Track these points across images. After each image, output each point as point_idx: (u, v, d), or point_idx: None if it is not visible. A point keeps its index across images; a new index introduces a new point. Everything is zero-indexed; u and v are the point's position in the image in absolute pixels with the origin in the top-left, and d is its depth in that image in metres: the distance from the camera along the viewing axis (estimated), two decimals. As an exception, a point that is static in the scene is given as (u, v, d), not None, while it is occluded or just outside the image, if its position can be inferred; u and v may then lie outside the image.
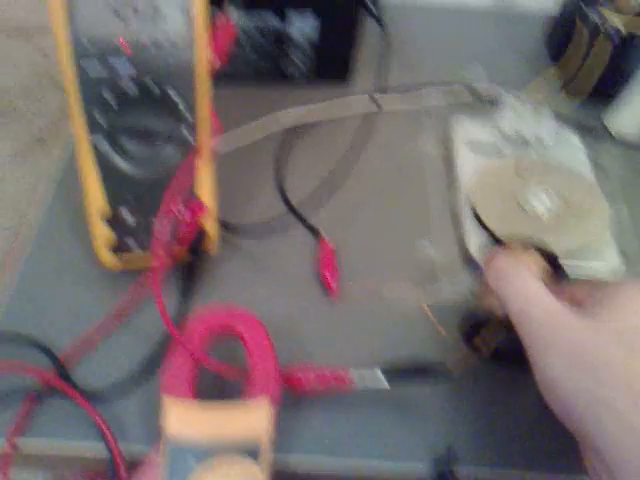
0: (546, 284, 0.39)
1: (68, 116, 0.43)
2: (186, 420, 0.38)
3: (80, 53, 0.41)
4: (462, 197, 0.54)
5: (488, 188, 0.53)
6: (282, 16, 0.60)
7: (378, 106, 0.60)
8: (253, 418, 0.38)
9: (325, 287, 0.50)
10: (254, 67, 0.64)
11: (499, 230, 0.50)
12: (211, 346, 0.42)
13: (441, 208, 0.55)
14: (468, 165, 0.56)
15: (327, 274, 0.49)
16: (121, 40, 0.41)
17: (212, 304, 0.44)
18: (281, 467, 0.41)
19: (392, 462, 0.42)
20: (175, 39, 0.42)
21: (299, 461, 0.42)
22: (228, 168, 0.50)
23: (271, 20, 0.60)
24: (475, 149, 0.57)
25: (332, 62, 0.65)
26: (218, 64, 0.44)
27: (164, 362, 0.41)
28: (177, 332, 0.41)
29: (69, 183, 0.55)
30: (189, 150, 0.45)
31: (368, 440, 0.43)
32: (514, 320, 0.38)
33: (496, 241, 0.50)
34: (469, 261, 0.51)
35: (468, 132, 0.59)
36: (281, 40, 0.62)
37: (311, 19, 0.60)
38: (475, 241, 0.51)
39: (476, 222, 0.52)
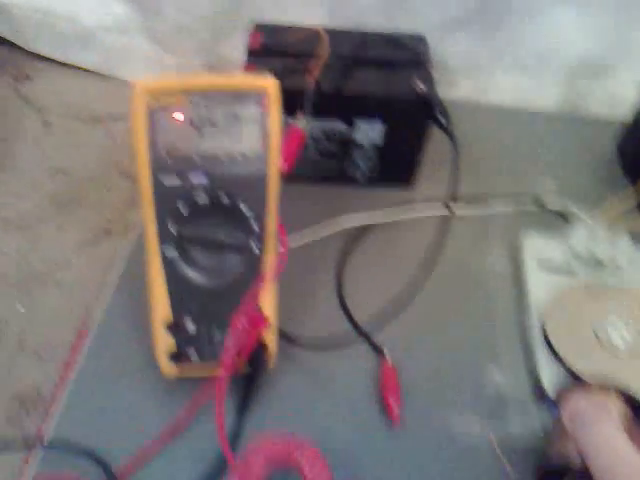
0: (628, 433, 0.36)
1: (143, 224, 0.43)
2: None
3: (158, 166, 0.42)
4: (533, 321, 0.52)
5: (561, 314, 0.51)
6: (349, 122, 0.60)
7: (449, 214, 0.58)
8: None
9: (386, 410, 0.47)
10: (318, 169, 0.64)
11: (575, 363, 0.47)
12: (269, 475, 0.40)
13: (510, 330, 0.53)
14: (538, 285, 0.54)
15: (390, 400, 0.47)
16: (198, 154, 0.42)
17: (271, 432, 0.42)
18: None
19: None
20: (249, 153, 0.42)
21: None
22: (288, 271, 0.49)
23: (338, 125, 0.61)
24: (546, 267, 0.56)
25: (397, 167, 0.65)
26: (285, 169, 0.44)
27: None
28: (236, 464, 0.39)
29: (131, 278, 0.55)
30: (255, 261, 0.45)
31: None
32: (597, 476, 0.35)
33: (572, 375, 0.47)
34: (541, 394, 0.48)
35: (538, 249, 0.57)
36: (346, 144, 0.62)
37: (378, 125, 0.60)
38: (548, 373, 0.48)
39: (549, 350, 0.49)
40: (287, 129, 0.45)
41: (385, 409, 0.48)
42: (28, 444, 0.45)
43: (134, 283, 0.53)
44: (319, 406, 0.48)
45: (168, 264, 0.44)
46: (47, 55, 0.86)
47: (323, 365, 0.51)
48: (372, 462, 0.45)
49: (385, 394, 0.48)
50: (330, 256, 0.58)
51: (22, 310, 0.57)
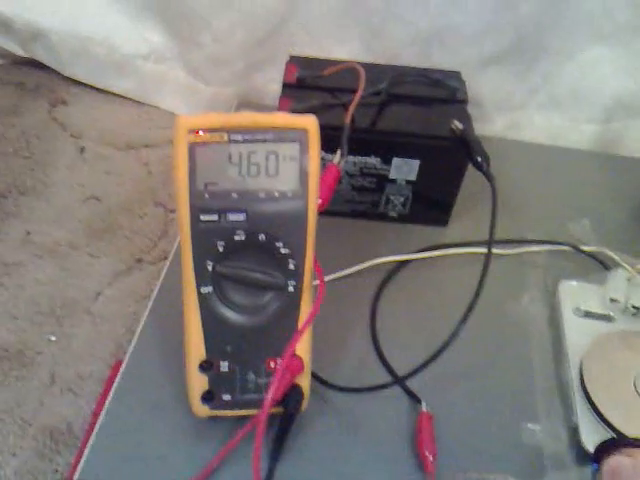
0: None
1: (181, 260, 0.43)
2: None
3: (197, 202, 0.42)
4: (570, 370, 0.51)
5: (598, 364, 0.50)
6: (385, 159, 0.60)
7: (485, 254, 0.57)
8: None
9: (420, 461, 0.46)
10: (352, 204, 0.64)
11: (614, 417, 0.46)
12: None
13: (548, 379, 0.52)
14: (575, 332, 0.53)
15: (425, 451, 0.46)
16: (236, 191, 0.42)
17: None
18: None
19: None
20: (287, 191, 0.42)
21: None
22: (321, 308, 0.49)
23: (373, 162, 0.60)
24: (582, 313, 0.55)
25: (432, 206, 0.64)
26: (320, 206, 0.44)
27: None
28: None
29: (163, 311, 0.55)
30: (291, 299, 0.44)
31: None
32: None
33: (611, 428, 0.46)
34: (580, 448, 0.47)
35: (574, 294, 0.56)
36: (381, 180, 0.62)
37: (414, 163, 0.60)
38: (587, 426, 0.47)
39: (587, 402, 0.48)
40: (324, 166, 0.44)
41: (419, 458, 0.47)
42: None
43: (166, 316, 0.53)
44: (351, 451, 0.47)
45: (204, 301, 0.44)
46: (83, 80, 0.87)
47: (356, 409, 0.50)
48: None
49: (420, 444, 0.47)
50: (363, 293, 0.58)
51: (53, 339, 0.57)
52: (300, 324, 0.45)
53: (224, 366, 0.45)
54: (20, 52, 0.87)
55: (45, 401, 0.53)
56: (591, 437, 0.46)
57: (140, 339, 0.53)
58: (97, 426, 0.47)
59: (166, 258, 0.63)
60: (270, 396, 0.41)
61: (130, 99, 0.85)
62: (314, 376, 0.49)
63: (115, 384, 0.50)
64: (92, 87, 0.86)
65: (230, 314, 0.45)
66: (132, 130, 0.80)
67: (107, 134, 0.79)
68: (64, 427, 0.52)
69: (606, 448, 0.42)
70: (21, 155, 0.75)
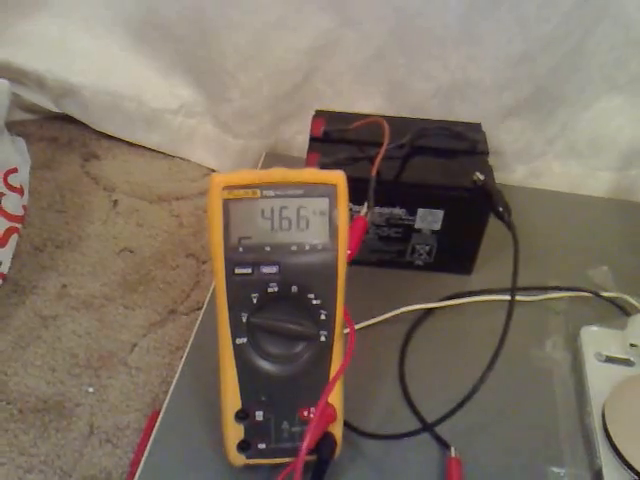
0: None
1: (216, 312, 0.44)
2: None
3: (231, 255, 0.43)
4: (593, 417, 0.51)
5: (621, 409, 0.51)
6: (410, 210, 0.62)
7: (510, 302, 0.59)
8: None
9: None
10: (378, 253, 0.66)
11: (638, 462, 0.47)
12: None
13: (572, 427, 0.53)
14: (597, 377, 0.54)
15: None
16: (269, 244, 0.44)
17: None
18: None
19: None
20: (318, 244, 0.44)
21: None
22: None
23: (398, 212, 0.62)
24: (605, 361, 0.56)
25: (456, 255, 0.66)
26: (349, 256, 0.45)
27: None
28: None
29: (197, 362, 0.56)
30: (323, 349, 0.46)
31: None
32: None
33: (636, 475, 0.47)
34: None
35: (596, 340, 0.57)
36: (407, 230, 0.64)
37: (438, 213, 0.62)
38: (612, 475, 0.48)
39: (610, 447, 0.49)
40: (351, 217, 0.46)
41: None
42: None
43: (201, 366, 0.55)
44: None
45: (239, 352, 0.46)
46: (114, 135, 0.91)
47: (387, 455, 0.51)
48: None
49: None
50: (392, 341, 0.59)
51: (91, 390, 0.59)
52: (332, 373, 0.46)
53: (259, 415, 0.47)
54: (53, 108, 0.90)
55: (84, 452, 0.54)
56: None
57: (176, 389, 0.54)
58: (136, 476, 0.48)
59: (199, 309, 0.64)
60: (306, 445, 0.42)
61: (161, 152, 0.88)
62: (346, 424, 0.50)
63: (153, 434, 0.51)
64: (123, 141, 0.89)
65: (264, 364, 0.46)
66: (163, 183, 0.83)
67: (139, 187, 0.82)
68: (103, 477, 0.53)
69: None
70: (55, 209, 0.78)
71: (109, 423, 0.57)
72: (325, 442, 0.46)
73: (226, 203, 0.43)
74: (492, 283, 0.63)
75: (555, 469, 0.50)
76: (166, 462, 0.50)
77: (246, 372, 0.46)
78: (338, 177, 0.44)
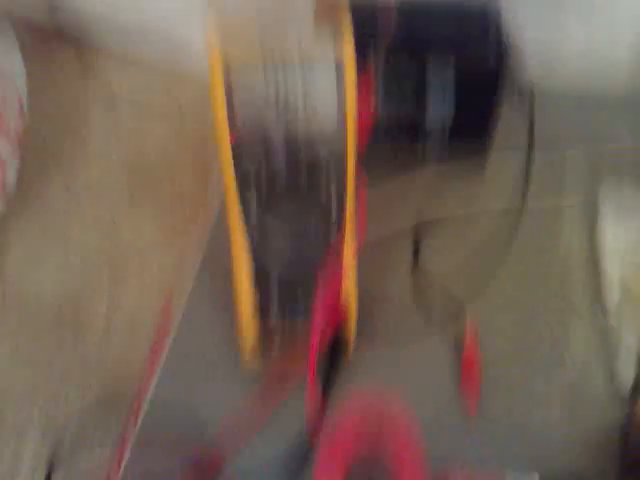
0: None
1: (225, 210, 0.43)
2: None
3: (237, 146, 0.41)
4: (611, 320, 0.51)
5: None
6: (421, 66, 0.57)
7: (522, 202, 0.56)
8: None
9: (466, 397, 0.47)
10: (389, 149, 0.62)
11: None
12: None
13: (587, 329, 0.51)
14: (616, 276, 0.52)
15: (469, 392, 0.47)
16: (277, 133, 0.41)
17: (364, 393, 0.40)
18: None
19: None
20: (327, 132, 0.42)
21: None
22: (359, 263, 0.48)
23: (410, 69, 0.57)
24: (624, 254, 0.54)
25: (472, 118, 0.60)
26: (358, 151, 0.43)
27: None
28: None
29: (211, 264, 0.55)
30: (334, 247, 0.44)
31: None
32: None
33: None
34: (623, 394, 0.47)
35: (616, 236, 0.55)
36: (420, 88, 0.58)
37: (450, 71, 0.57)
38: (628, 372, 0.47)
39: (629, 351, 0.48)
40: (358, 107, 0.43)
41: (465, 396, 0.48)
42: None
43: (214, 271, 0.54)
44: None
45: (251, 248, 0.44)
46: (111, 46, 0.87)
47: (399, 358, 0.50)
48: (453, 444, 0.45)
49: (464, 384, 0.48)
50: (400, 247, 0.57)
51: (104, 291, 0.57)
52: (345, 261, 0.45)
53: (273, 317, 0.46)
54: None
55: (103, 354, 0.54)
56: (630, 374, 0.47)
57: (192, 290, 0.54)
58: (150, 388, 0.48)
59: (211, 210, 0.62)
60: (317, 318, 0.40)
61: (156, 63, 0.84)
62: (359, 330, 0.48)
63: (169, 338, 0.51)
64: (120, 53, 0.85)
65: (276, 261, 0.45)
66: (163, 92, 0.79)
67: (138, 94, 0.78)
68: (123, 378, 0.53)
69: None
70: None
71: (124, 325, 0.56)
72: (335, 341, 0.45)
73: (228, 83, 0.39)
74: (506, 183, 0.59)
75: (569, 365, 0.49)
76: (182, 373, 0.49)
77: (259, 272, 0.45)
78: (346, 53, 0.40)
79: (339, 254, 0.44)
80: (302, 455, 0.43)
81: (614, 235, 0.54)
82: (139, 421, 0.46)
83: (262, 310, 0.45)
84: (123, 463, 0.43)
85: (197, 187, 0.67)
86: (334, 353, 0.46)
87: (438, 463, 0.42)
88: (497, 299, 0.52)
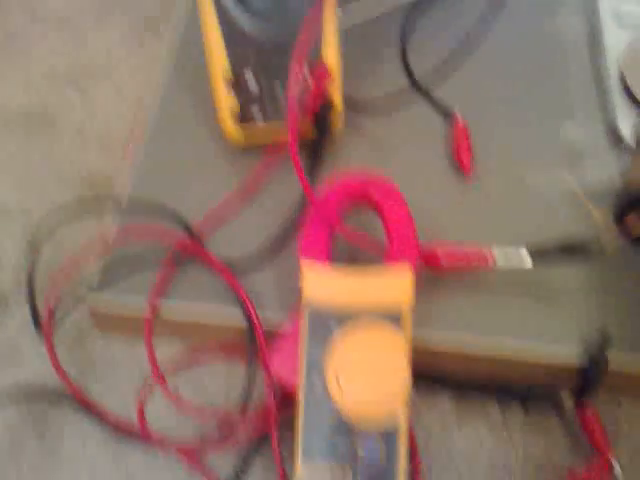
0: None
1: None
2: (325, 284, 0.36)
3: None
4: (611, 73, 0.49)
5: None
6: None
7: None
8: (395, 283, 0.36)
9: (459, 167, 0.46)
10: None
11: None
12: (345, 219, 0.40)
13: (585, 85, 0.50)
14: (616, 39, 0.50)
15: (462, 155, 0.46)
16: None
17: (347, 171, 0.41)
18: (420, 343, 0.39)
19: (538, 344, 0.39)
20: None
21: (439, 339, 0.39)
22: (350, 43, 0.47)
23: None
24: (623, 21, 0.52)
25: None
26: None
27: (300, 229, 0.39)
28: (313, 195, 0.38)
29: (184, 57, 0.53)
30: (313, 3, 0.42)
31: (512, 321, 0.40)
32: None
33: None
34: (619, 141, 0.46)
35: (615, 2, 0.53)
36: None
37: None
38: (626, 118, 0.46)
39: (627, 98, 0.47)
40: None
41: (457, 165, 0.46)
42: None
43: (188, 62, 0.51)
44: (388, 169, 0.45)
45: (223, 13, 0.42)
46: None
47: (390, 130, 0.49)
48: (446, 215, 0.44)
49: (456, 150, 0.46)
50: (390, 26, 0.54)
51: (77, 101, 0.56)
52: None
53: (252, 83, 0.44)
54: None
55: (78, 157, 0.53)
56: (630, 129, 0.45)
57: (166, 85, 0.52)
58: (137, 155, 0.47)
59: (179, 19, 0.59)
60: (292, 91, 0.39)
61: None
62: (346, 101, 0.47)
63: (149, 123, 0.49)
64: None
65: (252, 25, 0.42)
66: None
67: None
68: (101, 175, 0.52)
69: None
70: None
71: (100, 129, 0.54)
72: (324, 109, 0.44)
73: None
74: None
75: (569, 127, 0.48)
76: (164, 154, 0.48)
77: (233, 36, 0.42)
78: None
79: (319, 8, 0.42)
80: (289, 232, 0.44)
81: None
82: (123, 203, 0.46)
83: (239, 77, 0.43)
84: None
85: (164, 9, 0.64)
86: (322, 120, 0.44)
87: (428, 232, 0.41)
88: (489, 73, 0.51)
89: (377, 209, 0.39)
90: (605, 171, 0.45)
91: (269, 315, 0.40)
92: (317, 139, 0.45)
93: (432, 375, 0.41)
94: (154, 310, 0.41)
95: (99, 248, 0.43)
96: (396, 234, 0.38)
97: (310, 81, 0.43)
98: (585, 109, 0.49)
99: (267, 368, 0.37)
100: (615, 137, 0.47)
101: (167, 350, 0.43)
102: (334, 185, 0.39)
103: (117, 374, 0.43)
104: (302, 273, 0.36)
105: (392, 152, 0.48)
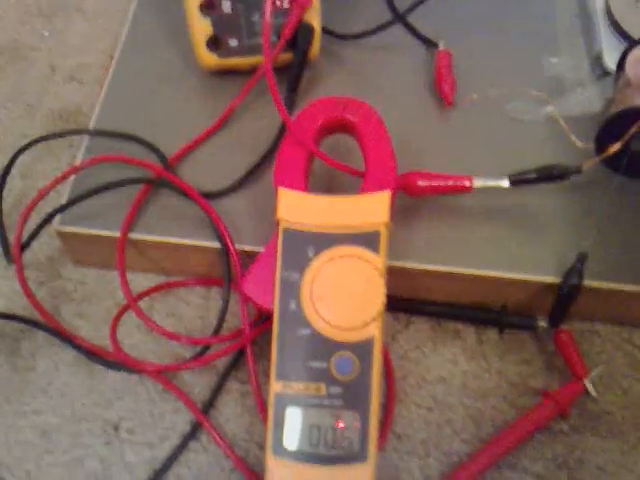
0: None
1: None
2: (301, 209, 0.35)
3: None
4: (597, 4, 0.48)
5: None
6: None
7: None
8: (372, 208, 0.35)
9: (440, 97, 0.45)
10: None
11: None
12: (322, 145, 0.39)
13: (570, 17, 0.49)
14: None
15: (443, 85, 0.45)
16: None
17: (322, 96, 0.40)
18: (398, 267, 0.38)
19: (515, 264, 0.39)
20: None
21: (417, 265, 0.39)
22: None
23: None
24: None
25: None
26: None
27: (276, 153, 0.38)
28: (290, 118, 0.37)
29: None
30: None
31: (490, 245, 0.39)
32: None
33: (634, 43, 0.44)
34: (603, 72, 0.46)
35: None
36: None
37: None
38: (611, 49, 0.46)
39: (613, 29, 0.46)
40: None
41: (439, 96, 0.46)
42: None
43: None
44: (369, 101, 0.44)
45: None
46: None
47: (372, 62, 0.48)
48: (427, 144, 0.44)
49: (438, 80, 0.46)
50: None
51: (46, 34, 0.54)
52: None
53: (226, 6, 0.42)
54: None
55: (49, 88, 0.52)
56: (614, 56, 0.45)
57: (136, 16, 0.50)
58: (102, 94, 0.46)
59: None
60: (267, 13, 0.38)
61: None
62: (325, 31, 0.46)
63: (119, 51, 0.48)
64: None
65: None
66: None
67: None
68: (73, 108, 0.51)
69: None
70: None
71: (71, 62, 0.53)
72: (302, 31, 0.43)
73: None
74: None
75: (552, 59, 0.47)
76: (135, 82, 0.47)
77: None
78: None
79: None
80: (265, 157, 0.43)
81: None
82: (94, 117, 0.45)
83: (214, 6, 0.42)
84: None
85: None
86: (299, 41, 0.43)
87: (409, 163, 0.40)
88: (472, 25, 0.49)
89: (354, 131, 0.38)
90: (588, 102, 0.45)
91: (244, 239, 0.39)
92: (294, 66, 0.44)
93: (409, 302, 0.41)
94: (125, 237, 0.40)
95: (69, 178, 0.42)
96: (373, 155, 0.37)
97: (288, 4, 0.42)
98: (569, 41, 0.48)
99: (241, 287, 0.36)
100: (599, 68, 0.46)
101: (142, 283, 0.43)
102: (310, 106, 0.38)
103: (90, 304, 0.42)
104: (278, 197, 0.36)
105: (372, 83, 0.47)
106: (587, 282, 0.37)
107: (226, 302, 0.39)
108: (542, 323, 0.39)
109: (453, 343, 0.41)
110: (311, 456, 0.32)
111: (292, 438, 0.32)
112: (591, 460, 0.37)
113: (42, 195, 0.40)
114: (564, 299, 0.37)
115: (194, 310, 0.42)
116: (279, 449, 0.32)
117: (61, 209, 0.40)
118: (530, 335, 0.41)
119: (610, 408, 0.39)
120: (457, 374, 0.40)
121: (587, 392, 0.38)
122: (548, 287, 0.38)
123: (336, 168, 0.38)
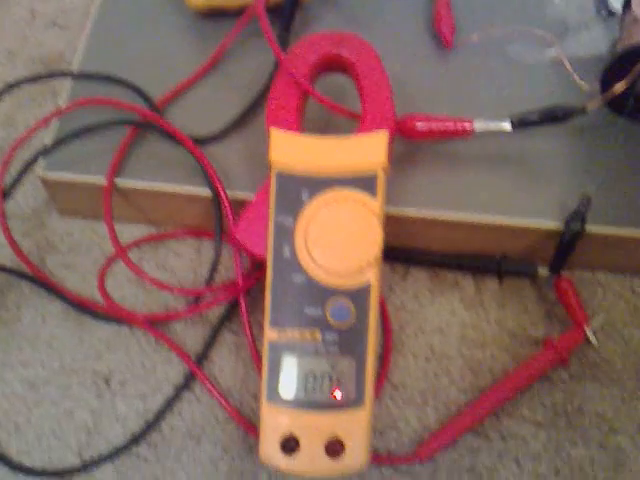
0: None
1: None
2: (295, 151, 0.34)
3: None
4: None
5: None
6: None
7: None
8: (369, 149, 0.34)
9: (440, 39, 0.43)
10: None
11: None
12: (317, 85, 0.37)
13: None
14: None
15: (443, 27, 0.43)
16: None
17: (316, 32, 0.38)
18: (396, 214, 0.37)
19: (516, 210, 0.37)
20: None
21: (415, 211, 0.38)
22: None
23: None
24: None
25: None
26: None
27: (268, 93, 0.36)
28: (282, 54, 0.36)
29: None
30: None
31: (490, 196, 0.38)
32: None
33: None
34: (608, 13, 0.44)
35: None
36: None
37: None
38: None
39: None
40: None
41: (438, 38, 0.44)
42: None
43: None
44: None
45: None
46: None
47: (368, 5, 0.46)
48: (427, 86, 0.42)
49: (438, 21, 0.44)
50: None
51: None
52: None
53: None
54: None
55: (29, 34, 0.50)
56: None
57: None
58: (86, 31, 0.44)
59: None
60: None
61: None
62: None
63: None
64: None
65: None
66: None
67: None
68: (55, 55, 0.49)
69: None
70: None
71: (52, 7, 0.51)
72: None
73: None
74: None
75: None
76: (120, 24, 0.45)
77: None
78: None
79: None
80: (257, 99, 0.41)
81: None
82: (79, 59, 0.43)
83: None
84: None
85: None
86: None
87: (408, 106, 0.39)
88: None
89: (350, 69, 0.36)
90: (593, 43, 0.43)
91: (236, 186, 0.38)
92: (286, 3, 0.42)
93: (406, 251, 0.40)
94: (112, 182, 0.38)
95: (53, 124, 0.40)
96: (370, 95, 0.35)
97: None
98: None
99: (233, 234, 0.35)
100: (605, 9, 0.44)
101: (131, 235, 0.41)
102: (304, 41, 0.36)
103: (77, 255, 0.41)
104: (270, 138, 0.34)
105: (368, 24, 0.45)
106: (589, 227, 0.36)
107: (218, 250, 0.38)
108: (542, 271, 0.38)
109: (452, 293, 0.40)
110: (307, 402, 0.31)
111: (288, 386, 0.31)
112: (590, 407, 0.36)
113: (23, 139, 0.38)
114: (566, 243, 0.36)
115: (185, 262, 0.41)
116: (274, 396, 0.31)
117: (44, 151, 0.38)
118: (530, 284, 0.40)
119: (610, 356, 0.38)
120: (455, 324, 0.39)
121: (588, 340, 0.37)
122: (549, 234, 0.37)
123: (331, 109, 0.37)
